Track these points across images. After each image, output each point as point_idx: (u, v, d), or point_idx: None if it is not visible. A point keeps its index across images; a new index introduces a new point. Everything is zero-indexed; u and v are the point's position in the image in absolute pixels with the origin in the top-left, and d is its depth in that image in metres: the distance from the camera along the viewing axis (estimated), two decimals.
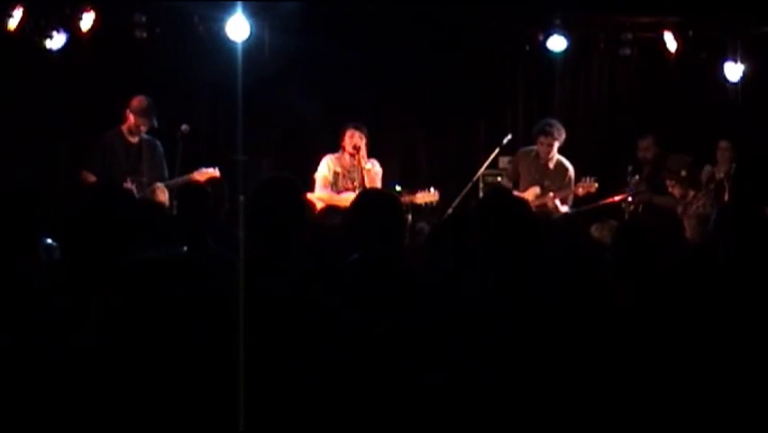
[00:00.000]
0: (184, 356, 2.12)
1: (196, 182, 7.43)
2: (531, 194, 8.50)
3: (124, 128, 8.10)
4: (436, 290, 3.28)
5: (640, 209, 8.66)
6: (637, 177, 8.86)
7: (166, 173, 8.18)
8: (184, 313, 2.11)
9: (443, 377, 2.73)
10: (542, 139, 8.64)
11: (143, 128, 8.07)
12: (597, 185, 8.60)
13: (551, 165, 8.69)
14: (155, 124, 8.11)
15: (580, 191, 8.62)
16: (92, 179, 7.88)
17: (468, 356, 2.96)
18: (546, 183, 8.64)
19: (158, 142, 8.22)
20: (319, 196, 8.29)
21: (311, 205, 7.63)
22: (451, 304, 3.25)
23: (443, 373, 2.75)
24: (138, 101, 8.06)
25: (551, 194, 8.57)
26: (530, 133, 8.92)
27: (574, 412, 3.08)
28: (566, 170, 8.72)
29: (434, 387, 2.69)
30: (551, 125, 8.74)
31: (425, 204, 8.37)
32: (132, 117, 8.04)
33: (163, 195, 7.98)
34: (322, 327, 3.08)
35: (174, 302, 2.10)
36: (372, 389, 2.65)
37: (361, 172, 8.38)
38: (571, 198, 8.66)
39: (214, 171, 8.04)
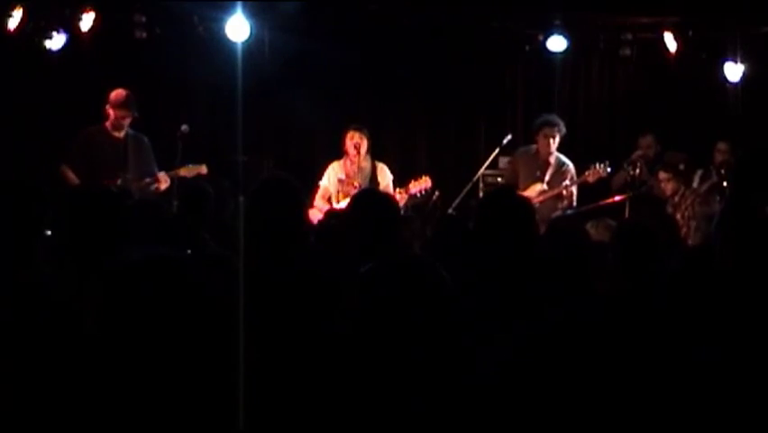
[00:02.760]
0: (176, 358, 2.11)
1: (197, 181, 7.42)
2: (534, 191, 8.47)
3: (108, 124, 8.00)
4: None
5: (641, 188, 8.62)
6: (639, 152, 8.88)
7: (155, 168, 8.08)
8: (171, 314, 2.10)
9: (448, 381, 2.73)
10: (546, 131, 8.55)
11: (125, 121, 7.93)
12: (609, 169, 8.52)
13: (551, 160, 8.63)
14: (136, 114, 7.98)
15: (591, 178, 8.52)
16: (71, 175, 7.78)
17: (470, 358, 2.96)
18: (548, 179, 8.60)
19: (144, 138, 8.12)
20: (316, 205, 8.30)
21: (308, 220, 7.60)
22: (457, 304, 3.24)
23: (449, 376, 2.74)
24: (116, 94, 7.94)
25: (566, 182, 8.53)
26: (530, 133, 8.91)
27: (574, 413, 3.08)
28: (566, 165, 8.67)
29: (444, 392, 2.69)
30: (554, 117, 8.73)
31: (420, 192, 8.35)
32: (112, 111, 7.92)
33: (166, 182, 7.93)
34: (324, 331, 3.08)
35: (161, 304, 2.09)
36: (374, 394, 2.64)
37: (371, 174, 8.39)
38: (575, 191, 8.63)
39: (200, 168, 8.00)
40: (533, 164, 8.64)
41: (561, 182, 8.55)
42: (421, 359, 2.68)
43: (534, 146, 8.69)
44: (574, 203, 8.57)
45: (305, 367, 2.95)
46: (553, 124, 8.61)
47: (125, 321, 2.08)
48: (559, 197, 8.50)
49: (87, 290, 2.22)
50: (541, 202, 8.31)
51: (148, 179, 7.93)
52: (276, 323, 3.31)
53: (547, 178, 8.59)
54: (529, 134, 8.95)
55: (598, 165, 8.53)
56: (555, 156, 8.66)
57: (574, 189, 8.58)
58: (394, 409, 2.60)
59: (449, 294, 2.79)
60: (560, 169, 8.64)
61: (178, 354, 2.12)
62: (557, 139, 8.58)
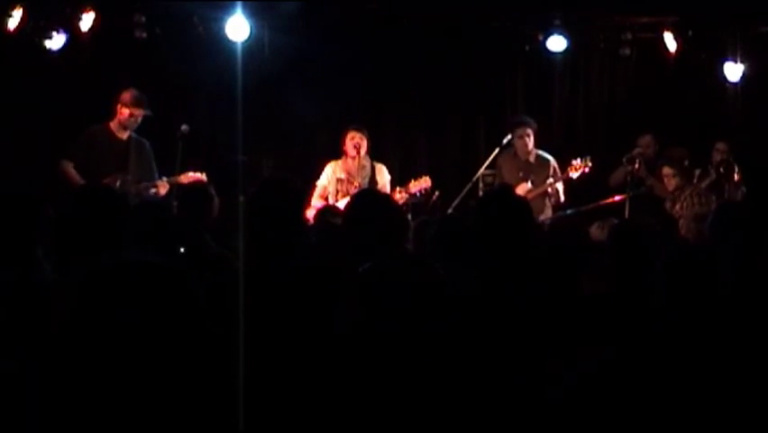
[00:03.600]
0: (167, 360, 2.11)
1: (197, 183, 7.42)
2: (521, 190, 8.50)
3: (112, 125, 8.03)
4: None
5: (640, 187, 8.64)
6: (638, 149, 8.89)
7: (155, 173, 8.10)
8: (153, 317, 2.10)
9: (447, 381, 2.73)
10: (519, 132, 8.68)
11: (139, 118, 7.98)
12: (591, 164, 8.58)
13: (531, 159, 8.73)
14: (150, 113, 8.04)
15: (574, 174, 8.58)
16: (71, 170, 7.81)
17: (474, 358, 2.96)
18: (532, 177, 8.65)
19: (146, 142, 8.15)
20: (314, 205, 8.29)
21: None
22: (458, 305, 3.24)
23: (448, 376, 2.74)
24: (129, 92, 8.00)
25: (550, 180, 8.58)
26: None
27: (575, 414, 3.08)
28: (548, 161, 8.77)
29: (442, 392, 2.68)
30: (522, 117, 8.89)
31: (420, 192, 8.37)
32: (126, 110, 7.95)
33: (165, 188, 7.95)
34: (323, 331, 3.08)
35: (139, 307, 2.08)
36: (373, 395, 2.64)
37: (371, 174, 8.40)
38: (561, 187, 8.67)
39: (200, 176, 8.00)
40: (514, 166, 8.74)
41: (545, 179, 8.62)
42: (422, 356, 2.68)
43: (512, 148, 8.76)
44: (561, 199, 8.63)
45: (305, 367, 2.95)
46: (523, 124, 8.75)
47: (105, 324, 2.07)
48: (546, 194, 8.60)
49: (63, 291, 2.21)
50: (532, 199, 8.34)
51: (147, 183, 7.95)
52: (276, 323, 3.31)
53: (531, 177, 8.65)
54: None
55: (579, 160, 8.59)
56: (535, 154, 8.77)
57: (560, 186, 8.63)
58: (395, 408, 2.60)
59: (447, 292, 2.80)
60: (542, 165, 8.74)
61: (168, 356, 2.12)
62: (531, 137, 8.71)
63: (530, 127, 8.73)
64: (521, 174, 8.68)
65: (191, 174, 7.99)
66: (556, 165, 8.76)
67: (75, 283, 2.11)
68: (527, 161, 8.73)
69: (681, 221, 7.63)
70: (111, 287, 2.09)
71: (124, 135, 8.05)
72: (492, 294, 3.58)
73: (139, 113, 7.99)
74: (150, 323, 2.08)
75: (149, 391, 2.09)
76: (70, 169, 7.84)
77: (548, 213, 8.58)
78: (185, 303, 2.16)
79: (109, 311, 2.06)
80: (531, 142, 8.70)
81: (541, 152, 8.81)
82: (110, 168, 7.88)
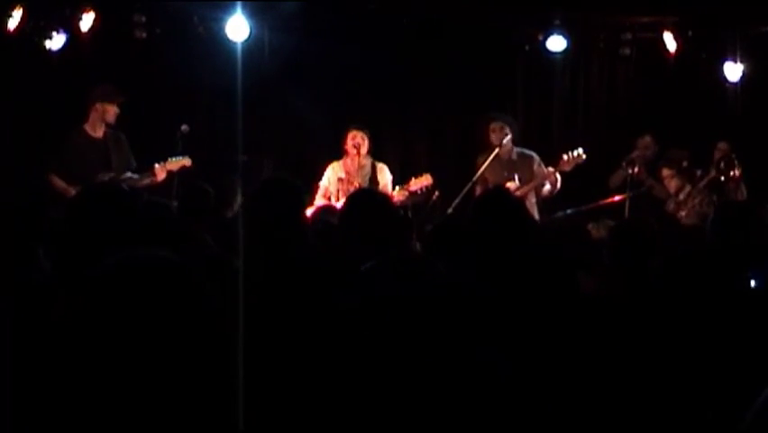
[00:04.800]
0: (172, 361, 2.11)
1: (196, 181, 7.42)
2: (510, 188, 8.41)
3: (87, 126, 8.07)
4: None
5: (640, 188, 8.60)
6: (637, 152, 8.86)
7: (133, 163, 8.12)
8: (163, 317, 2.09)
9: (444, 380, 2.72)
10: (493, 126, 8.48)
11: (117, 109, 7.98)
12: (584, 156, 8.44)
13: (514, 157, 8.55)
14: (123, 97, 8.04)
15: (567, 167, 8.45)
16: (57, 181, 7.84)
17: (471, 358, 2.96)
18: (518, 175, 8.53)
19: (121, 134, 8.16)
20: (317, 205, 8.29)
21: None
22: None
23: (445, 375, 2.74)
24: (102, 87, 8.04)
25: (550, 168, 8.47)
26: (529, 133, 8.89)
27: (576, 415, 3.08)
28: (531, 156, 8.60)
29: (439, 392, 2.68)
30: (495, 113, 8.71)
31: (421, 189, 8.32)
32: (100, 106, 7.98)
33: (163, 173, 7.94)
34: (323, 331, 3.08)
35: (153, 307, 2.08)
36: (376, 396, 2.64)
37: (372, 174, 8.39)
38: (554, 181, 8.57)
39: (184, 161, 8.00)
40: (497, 166, 8.50)
41: (531, 174, 8.48)
42: (423, 356, 2.68)
43: (491, 149, 8.53)
44: (558, 184, 8.50)
45: (305, 367, 2.95)
46: (496, 118, 8.57)
47: (112, 325, 2.07)
48: (535, 190, 8.46)
49: (67, 298, 2.20)
50: (522, 194, 8.25)
51: (142, 175, 7.95)
52: (276, 323, 3.31)
53: (517, 174, 8.45)
54: (528, 135, 8.92)
55: (570, 153, 8.47)
56: (516, 151, 8.59)
57: (558, 176, 8.51)
58: (396, 409, 2.60)
59: (449, 291, 2.80)
60: (525, 161, 8.57)
61: (170, 357, 2.12)
62: (507, 129, 8.48)
63: (507, 124, 8.53)
64: (506, 174, 8.47)
65: (174, 160, 7.97)
66: (538, 159, 8.58)
67: (82, 284, 2.11)
68: (510, 159, 8.52)
69: (688, 222, 7.64)
70: (119, 289, 2.08)
71: (101, 133, 8.07)
72: (489, 294, 3.58)
73: (117, 100, 7.99)
74: (157, 323, 2.08)
75: (149, 391, 2.09)
76: (58, 181, 7.83)
77: (534, 214, 8.35)
78: (194, 304, 2.16)
79: (117, 313, 2.06)
80: (509, 137, 8.45)
81: (521, 149, 8.63)
82: (94, 169, 7.87)
